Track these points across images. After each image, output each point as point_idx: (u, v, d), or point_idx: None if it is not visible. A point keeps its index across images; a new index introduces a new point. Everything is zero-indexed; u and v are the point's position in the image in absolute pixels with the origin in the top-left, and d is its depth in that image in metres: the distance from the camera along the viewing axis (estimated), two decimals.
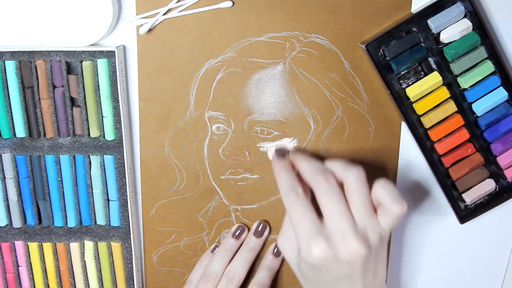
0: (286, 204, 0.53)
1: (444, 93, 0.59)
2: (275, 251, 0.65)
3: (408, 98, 0.60)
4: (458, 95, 0.60)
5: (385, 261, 0.55)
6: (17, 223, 0.65)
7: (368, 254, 0.51)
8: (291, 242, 0.56)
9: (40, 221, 0.65)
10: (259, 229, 0.65)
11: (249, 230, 0.65)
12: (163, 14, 0.60)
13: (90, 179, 0.63)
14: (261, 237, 0.64)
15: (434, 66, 0.59)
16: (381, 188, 0.53)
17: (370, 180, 0.64)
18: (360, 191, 0.52)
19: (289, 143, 0.63)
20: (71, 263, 0.66)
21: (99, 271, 0.66)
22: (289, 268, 0.67)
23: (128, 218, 0.64)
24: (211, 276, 0.62)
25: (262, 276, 0.64)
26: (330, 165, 0.55)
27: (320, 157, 0.63)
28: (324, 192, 0.52)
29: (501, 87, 0.59)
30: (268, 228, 0.65)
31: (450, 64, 0.59)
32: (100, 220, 0.65)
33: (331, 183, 0.52)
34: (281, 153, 0.59)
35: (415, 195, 0.65)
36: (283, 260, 0.67)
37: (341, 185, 0.53)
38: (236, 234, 0.65)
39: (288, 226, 0.57)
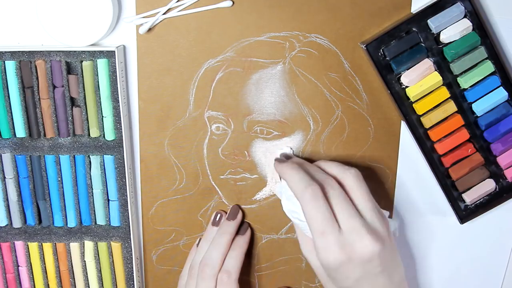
0: (302, 203, 0.54)
1: (444, 93, 0.59)
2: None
3: (408, 98, 0.60)
4: (458, 95, 0.60)
5: (398, 252, 0.56)
6: (17, 223, 0.65)
7: (383, 248, 0.52)
8: (310, 245, 0.57)
9: (40, 221, 0.65)
10: (232, 212, 0.64)
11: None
12: (163, 14, 0.60)
13: (90, 179, 0.63)
14: (234, 220, 0.64)
15: (434, 66, 0.59)
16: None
17: (370, 180, 0.65)
18: (361, 189, 0.54)
19: (288, 148, 0.63)
20: (71, 263, 0.66)
21: (99, 271, 0.66)
22: (288, 268, 0.67)
23: (128, 218, 0.64)
24: (195, 268, 0.62)
25: (227, 262, 0.62)
26: (327, 168, 0.57)
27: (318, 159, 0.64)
28: (335, 197, 0.53)
29: (501, 87, 0.59)
30: (241, 212, 0.65)
31: (450, 64, 0.59)
32: (100, 220, 0.65)
33: (336, 188, 0.54)
34: (286, 156, 0.62)
35: (415, 195, 0.65)
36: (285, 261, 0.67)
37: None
38: (216, 221, 0.64)
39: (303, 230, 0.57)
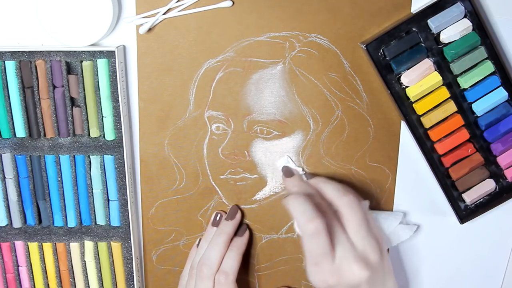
0: (302, 235, 0.55)
1: (444, 93, 0.59)
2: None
3: (408, 98, 0.60)
4: (458, 95, 0.60)
5: (391, 270, 0.58)
6: (17, 223, 0.65)
7: (371, 274, 0.54)
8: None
9: (40, 221, 0.65)
10: (231, 213, 0.65)
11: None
12: (163, 14, 0.60)
13: (90, 179, 0.63)
14: (232, 220, 0.64)
15: (434, 66, 0.59)
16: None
17: (370, 180, 0.65)
18: (353, 217, 0.56)
19: (286, 157, 0.64)
20: (71, 263, 0.66)
21: (99, 271, 0.66)
22: (288, 268, 0.67)
23: (128, 218, 0.64)
24: (195, 268, 0.62)
25: (225, 262, 0.62)
26: (323, 190, 0.58)
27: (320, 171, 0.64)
28: (334, 227, 0.55)
29: (501, 87, 0.59)
30: (240, 213, 0.65)
31: (450, 64, 0.59)
32: (100, 220, 0.65)
33: (337, 224, 0.56)
34: (288, 171, 0.63)
35: (415, 195, 0.65)
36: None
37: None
38: (216, 221, 0.64)
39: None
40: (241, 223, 0.65)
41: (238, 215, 0.65)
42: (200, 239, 0.65)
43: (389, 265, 0.58)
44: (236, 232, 0.64)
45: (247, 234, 0.65)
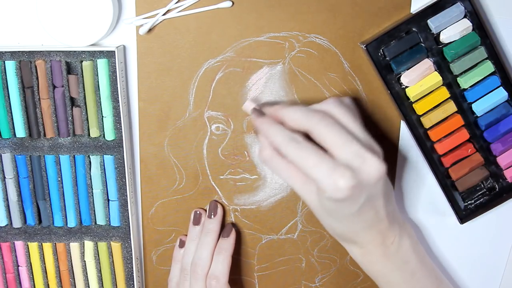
0: (291, 154, 0.50)
1: (444, 93, 0.59)
2: (226, 232, 0.64)
3: (408, 98, 0.60)
4: (458, 95, 0.60)
5: None
6: (17, 223, 0.65)
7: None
8: (309, 187, 0.52)
9: (40, 221, 0.65)
10: (211, 208, 0.64)
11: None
12: (163, 15, 0.60)
13: (90, 179, 0.64)
14: (215, 216, 0.64)
15: (434, 66, 0.59)
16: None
17: None
18: (345, 117, 0.52)
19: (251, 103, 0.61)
20: (71, 263, 0.66)
21: (99, 271, 0.66)
22: (288, 268, 0.67)
23: (128, 218, 0.64)
24: (187, 269, 0.63)
25: (214, 266, 0.62)
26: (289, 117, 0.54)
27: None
28: (323, 127, 0.50)
29: (501, 87, 0.59)
30: (220, 207, 0.64)
31: (450, 64, 0.59)
32: (100, 220, 0.65)
33: (324, 116, 0.51)
34: (259, 112, 0.57)
35: (415, 195, 0.65)
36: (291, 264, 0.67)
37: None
38: (196, 219, 0.64)
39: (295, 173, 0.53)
40: (224, 223, 0.65)
41: (220, 210, 0.64)
42: (180, 239, 0.65)
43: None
44: (222, 233, 0.64)
45: (233, 234, 0.64)
